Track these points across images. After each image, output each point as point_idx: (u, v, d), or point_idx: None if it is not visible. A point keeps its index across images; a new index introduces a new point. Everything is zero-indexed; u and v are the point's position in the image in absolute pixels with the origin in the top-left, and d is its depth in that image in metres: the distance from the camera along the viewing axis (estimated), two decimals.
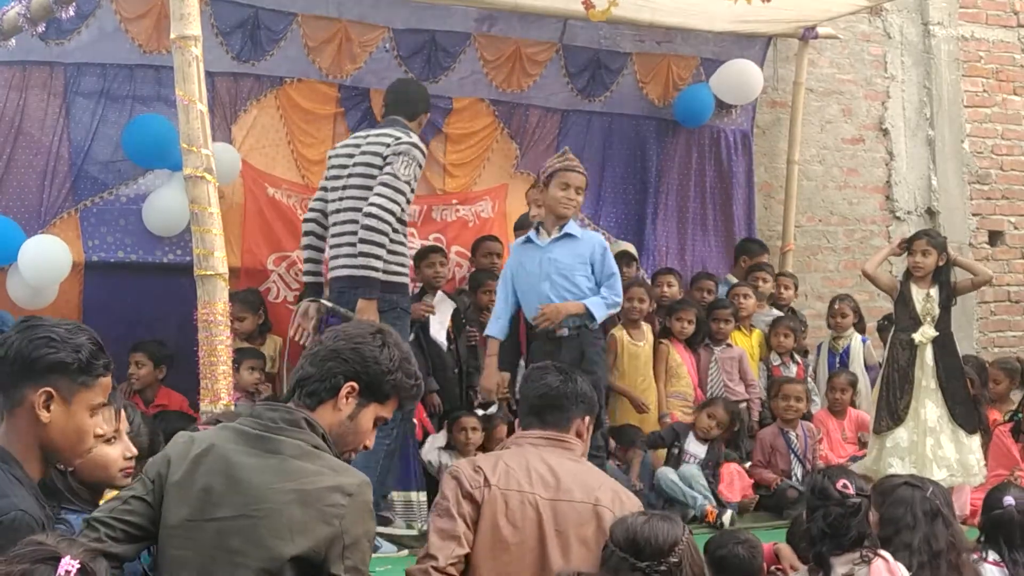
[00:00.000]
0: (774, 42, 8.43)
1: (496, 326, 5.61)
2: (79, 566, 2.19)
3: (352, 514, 2.64)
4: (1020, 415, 6.39)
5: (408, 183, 5.30)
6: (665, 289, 7.45)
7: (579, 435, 3.38)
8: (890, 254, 6.77)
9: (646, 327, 7.01)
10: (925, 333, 6.30)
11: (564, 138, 7.91)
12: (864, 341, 7.66)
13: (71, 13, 5.12)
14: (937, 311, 6.33)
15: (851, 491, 3.56)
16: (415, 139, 5.43)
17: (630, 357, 6.84)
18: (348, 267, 5.37)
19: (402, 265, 5.45)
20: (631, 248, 7.59)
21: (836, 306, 7.74)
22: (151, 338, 6.28)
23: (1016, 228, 9.42)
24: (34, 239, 6.08)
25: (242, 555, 2.58)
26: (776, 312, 7.72)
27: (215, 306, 4.45)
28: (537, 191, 6.08)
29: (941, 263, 6.39)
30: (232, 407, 4.40)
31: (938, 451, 6.14)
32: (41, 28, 5.44)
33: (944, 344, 6.32)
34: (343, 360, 2.82)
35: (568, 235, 5.47)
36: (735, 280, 7.92)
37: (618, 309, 5.78)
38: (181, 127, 4.49)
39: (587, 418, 3.39)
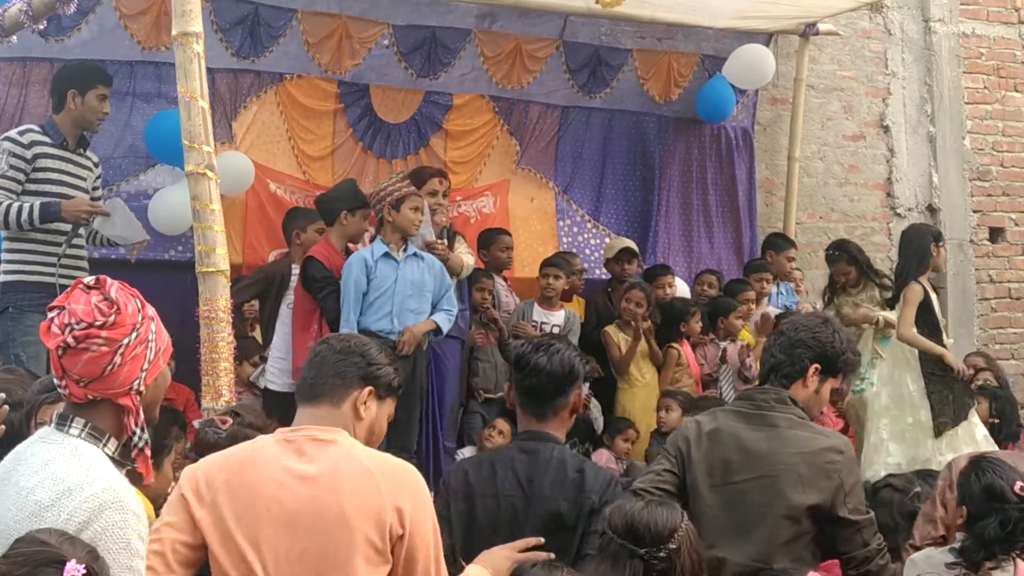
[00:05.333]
0: (775, 38, 8.40)
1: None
2: (84, 570, 2.08)
3: (846, 467, 3.37)
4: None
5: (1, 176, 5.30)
6: (667, 290, 7.36)
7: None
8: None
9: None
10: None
11: (564, 134, 7.92)
12: None
13: (72, 10, 5.10)
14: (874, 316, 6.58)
15: None
16: (14, 131, 5.40)
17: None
18: None
19: (23, 264, 5.33)
20: (632, 245, 7.55)
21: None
22: None
23: (1017, 225, 9.40)
24: None
25: (767, 506, 3.34)
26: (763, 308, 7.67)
27: (217, 303, 4.45)
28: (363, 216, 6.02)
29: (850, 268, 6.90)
30: (233, 403, 4.40)
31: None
32: (42, 25, 5.43)
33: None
34: (808, 347, 3.52)
35: (415, 254, 5.86)
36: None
37: (454, 316, 6.05)
38: (183, 124, 4.48)
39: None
